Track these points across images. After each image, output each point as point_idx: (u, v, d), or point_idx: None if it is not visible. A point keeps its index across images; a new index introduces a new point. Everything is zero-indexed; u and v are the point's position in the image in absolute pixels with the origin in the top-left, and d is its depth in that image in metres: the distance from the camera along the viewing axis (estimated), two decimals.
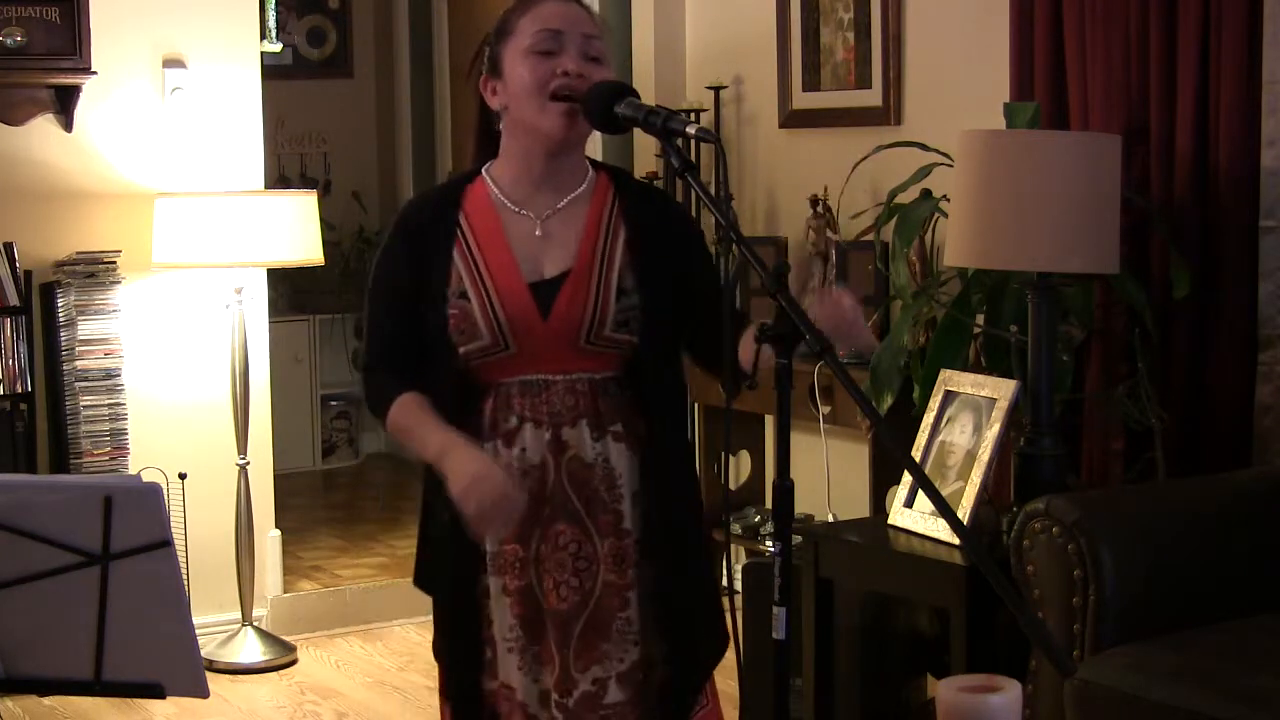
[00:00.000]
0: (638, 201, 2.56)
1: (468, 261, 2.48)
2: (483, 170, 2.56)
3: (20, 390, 4.75)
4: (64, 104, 4.85)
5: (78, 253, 4.88)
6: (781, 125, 5.33)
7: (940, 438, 3.76)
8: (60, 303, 4.80)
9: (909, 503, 3.77)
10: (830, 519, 4.40)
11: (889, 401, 4.00)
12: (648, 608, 2.52)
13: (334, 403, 8.06)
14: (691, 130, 2.29)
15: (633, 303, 2.48)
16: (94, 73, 4.81)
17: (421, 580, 2.65)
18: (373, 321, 2.56)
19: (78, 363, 4.81)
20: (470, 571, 2.50)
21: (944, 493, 3.56)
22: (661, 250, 2.53)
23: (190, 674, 2.16)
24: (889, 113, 4.90)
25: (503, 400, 2.48)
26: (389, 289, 2.53)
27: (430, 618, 2.64)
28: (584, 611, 2.49)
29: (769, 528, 4.93)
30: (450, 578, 2.53)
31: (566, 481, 2.48)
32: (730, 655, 2.62)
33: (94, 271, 4.84)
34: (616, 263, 2.49)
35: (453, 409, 2.47)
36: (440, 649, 2.59)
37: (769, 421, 5.26)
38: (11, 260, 4.74)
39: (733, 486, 5.35)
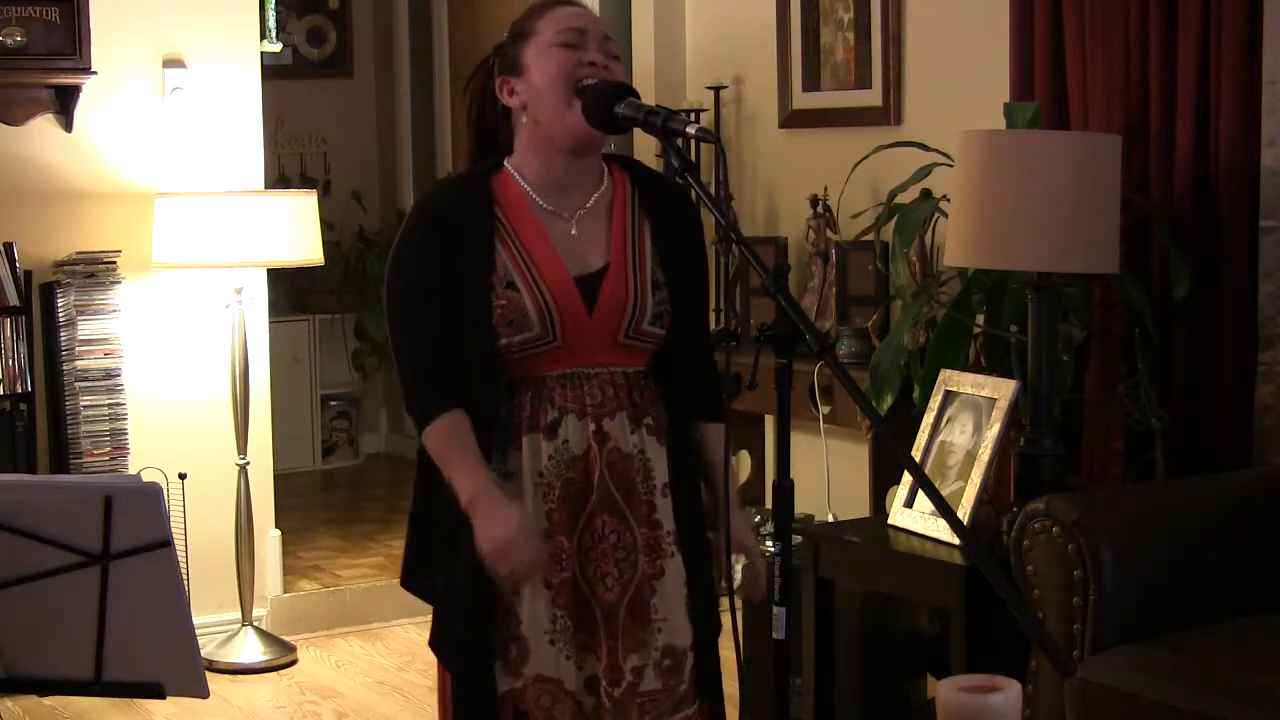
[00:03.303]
0: (654, 191, 2.60)
1: (512, 253, 2.48)
2: (505, 164, 2.56)
3: (20, 390, 4.75)
4: (64, 104, 4.85)
5: (78, 253, 4.88)
6: (781, 125, 5.33)
7: (940, 438, 3.76)
8: (60, 303, 4.80)
9: (909, 503, 3.77)
10: (830, 519, 4.40)
11: (889, 401, 4.00)
12: (676, 597, 2.54)
13: (334, 403, 8.06)
14: (691, 130, 2.30)
15: (664, 295, 2.53)
16: (94, 73, 4.80)
17: (415, 581, 2.62)
18: (407, 318, 2.51)
19: (78, 363, 4.81)
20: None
21: (944, 493, 3.56)
22: (679, 244, 2.58)
23: (190, 674, 2.16)
24: (889, 113, 4.90)
25: (541, 393, 2.49)
26: (423, 280, 2.49)
27: (429, 617, 2.63)
28: (624, 601, 2.50)
29: (769, 528, 4.93)
30: (468, 577, 2.50)
31: (607, 473, 2.50)
32: (730, 655, 2.62)
33: (94, 271, 4.84)
34: (648, 257, 2.54)
35: (486, 402, 2.47)
36: (459, 648, 2.53)
37: (769, 421, 5.26)
38: (11, 260, 4.74)
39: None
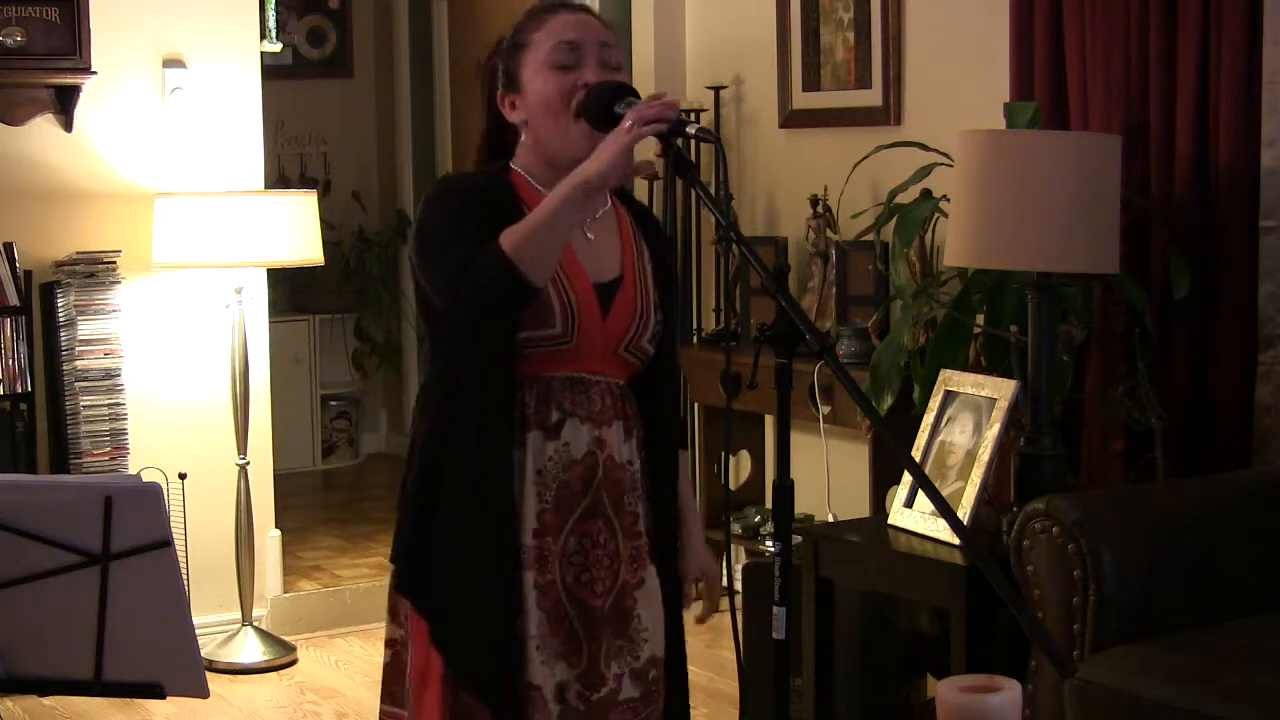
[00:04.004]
0: (643, 220, 2.63)
1: None
2: (513, 166, 2.53)
3: (20, 390, 4.75)
4: (64, 104, 4.85)
5: (78, 253, 4.87)
6: (781, 125, 5.33)
7: (940, 438, 3.77)
8: (60, 303, 4.80)
9: (909, 503, 3.77)
10: (830, 519, 4.41)
11: (889, 401, 4.00)
12: (658, 607, 2.54)
13: (334, 403, 8.06)
14: (691, 130, 2.30)
15: (660, 318, 2.55)
16: (94, 73, 4.80)
17: (415, 584, 2.51)
18: (447, 251, 2.38)
19: (78, 363, 4.81)
20: (511, 567, 2.45)
21: (944, 493, 3.56)
22: (663, 275, 2.60)
23: (190, 674, 2.16)
24: (889, 113, 4.90)
25: (546, 394, 2.47)
26: (460, 231, 2.39)
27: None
28: (606, 606, 2.50)
29: (769, 528, 4.93)
30: (487, 576, 2.44)
31: (602, 480, 2.50)
32: (730, 655, 2.62)
33: (94, 271, 4.84)
34: (650, 278, 2.56)
35: (493, 395, 2.44)
36: (473, 651, 2.46)
37: (769, 421, 5.26)
38: (11, 260, 4.74)
39: (733, 486, 5.35)
